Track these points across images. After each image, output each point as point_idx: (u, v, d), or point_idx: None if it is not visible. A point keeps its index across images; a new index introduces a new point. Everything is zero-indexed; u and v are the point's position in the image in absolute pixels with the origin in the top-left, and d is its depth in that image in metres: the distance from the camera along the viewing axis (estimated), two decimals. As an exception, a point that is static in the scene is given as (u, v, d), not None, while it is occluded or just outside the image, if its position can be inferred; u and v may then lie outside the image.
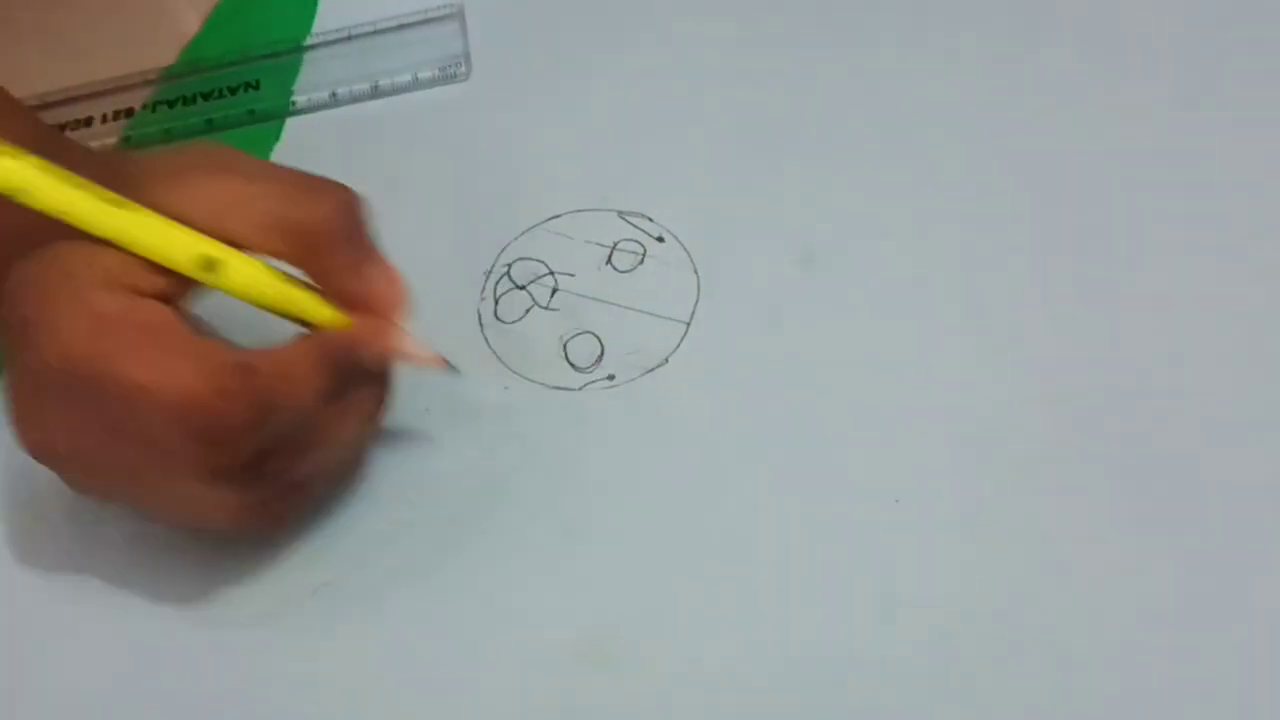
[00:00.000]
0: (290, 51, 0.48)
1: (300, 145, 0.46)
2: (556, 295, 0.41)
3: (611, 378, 0.40)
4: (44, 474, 0.34)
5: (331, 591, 0.37)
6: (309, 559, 0.37)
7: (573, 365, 0.40)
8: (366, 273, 0.35)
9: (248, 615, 0.37)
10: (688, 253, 0.42)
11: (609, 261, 0.42)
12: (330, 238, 0.34)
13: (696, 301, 0.41)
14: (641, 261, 0.42)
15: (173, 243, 0.33)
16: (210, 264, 0.33)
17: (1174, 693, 0.33)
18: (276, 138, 0.46)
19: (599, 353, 0.40)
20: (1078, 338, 0.39)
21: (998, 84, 0.44)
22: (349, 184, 0.35)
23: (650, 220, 0.43)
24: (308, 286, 0.35)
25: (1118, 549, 0.35)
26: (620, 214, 0.43)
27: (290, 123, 0.47)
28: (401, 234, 0.36)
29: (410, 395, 0.39)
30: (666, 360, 0.40)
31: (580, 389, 0.39)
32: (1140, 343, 0.38)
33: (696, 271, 0.41)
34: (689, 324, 0.40)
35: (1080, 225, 0.41)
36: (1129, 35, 0.44)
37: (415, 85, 0.47)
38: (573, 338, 0.40)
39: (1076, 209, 0.41)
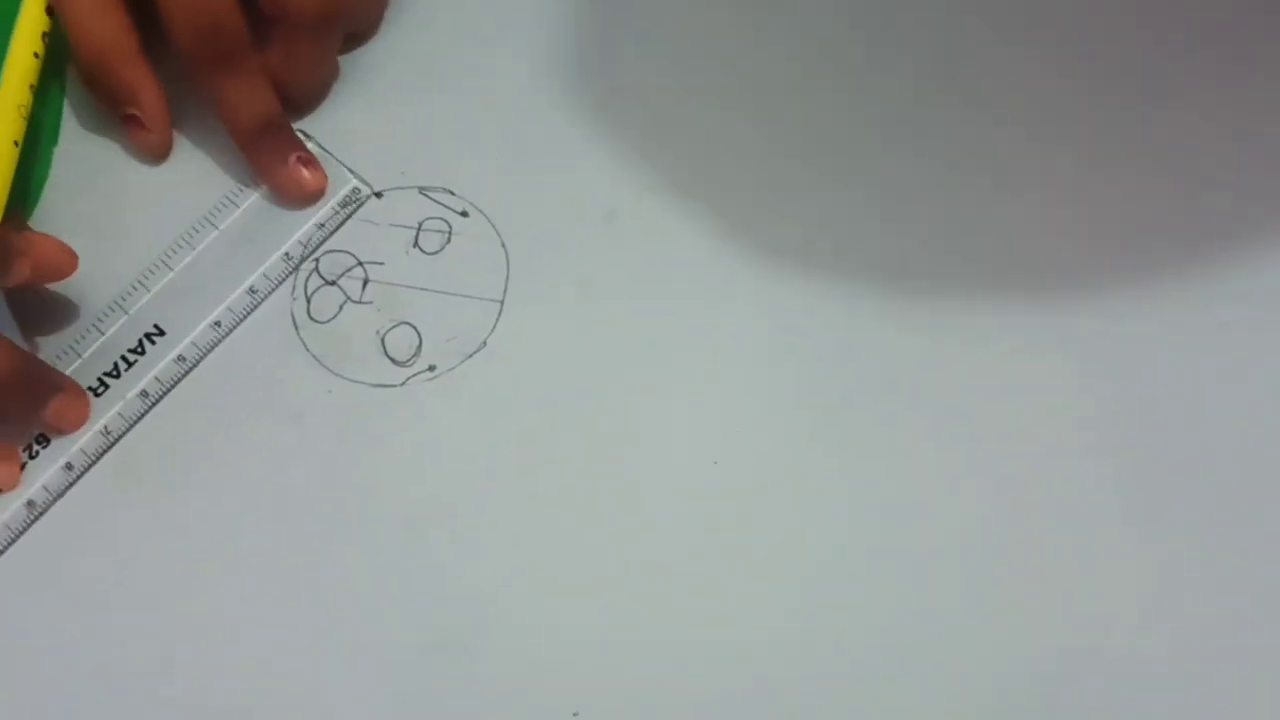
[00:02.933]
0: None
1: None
2: (368, 287, 0.41)
3: (432, 368, 0.40)
4: None
5: (177, 608, 0.38)
6: (172, 570, 0.38)
7: (392, 360, 0.40)
8: None
9: (93, 619, 0.38)
10: (493, 226, 0.42)
11: (416, 244, 0.42)
12: None
13: (507, 277, 0.41)
14: (449, 240, 0.42)
15: None
16: None
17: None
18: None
19: (417, 343, 0.41)
20: (880, 288, 0.40)
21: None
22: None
23: (452, 194, 0.42)
24: None
25: (939, 492, 0.38)
26: (421, 190, 0.43)
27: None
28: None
29: (236, 409, 0.40)
30: (484, 343, 0.40)
31: (403, 384, 0.40)
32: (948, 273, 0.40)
33: (504, 245, 0.42)
34: (502, 303, 0.41)
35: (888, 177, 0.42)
36: None
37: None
38: (389, 330, 0.41)
39: (875, 150, 0.42)
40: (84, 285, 0.40)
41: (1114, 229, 0.41)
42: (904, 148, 0.42)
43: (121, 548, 0.38)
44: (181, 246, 0.41)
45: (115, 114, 0.42)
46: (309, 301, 0.41)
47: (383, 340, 0.41)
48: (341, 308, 0.41)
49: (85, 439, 0.39)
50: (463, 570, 0.38)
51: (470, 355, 0.40)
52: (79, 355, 0.40)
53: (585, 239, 0.41)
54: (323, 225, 0.42)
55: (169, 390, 0.40)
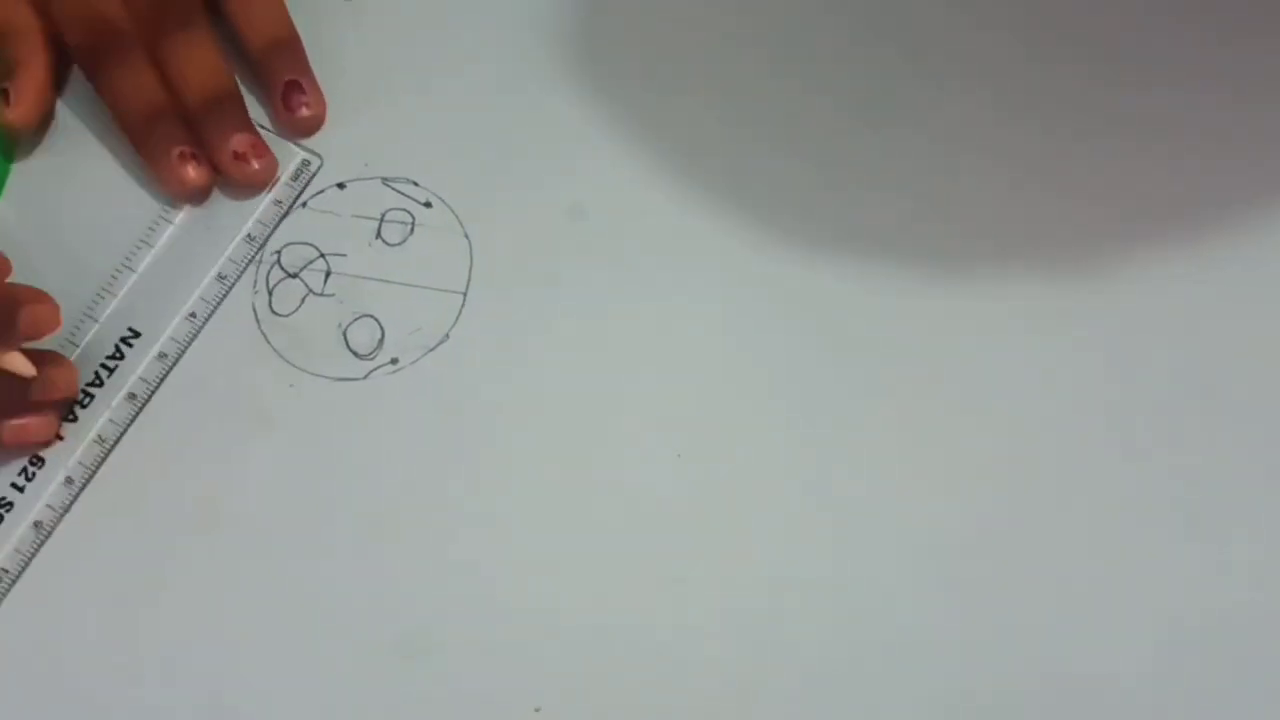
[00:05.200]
0: None
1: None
2: (330, 279, 0.41)
3: (395, 361, 0.40)
4: None
5: (144, 610, 0.37)
6: (138, 571, 0.38)
7: (355, 353, 0.40)
8: None
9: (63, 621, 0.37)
10: (456, 217, 0.42)
11: (379, 235, 0.42)
12: None
13: (470, 269, 0.41)
14: (411, 232, 0.42)
15: None
16: None
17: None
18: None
19: (380, 336, 0.40)
20: (849, 273, 0.40)
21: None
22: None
23: (416, 185, 0.42)
24: None
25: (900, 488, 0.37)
26: (384, 181, 0.42)
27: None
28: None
29: (197, 407, 0.39)
30: (447, 336, 0.40)
31: (365, 377, 0.40)
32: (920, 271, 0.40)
33: (467, 236, 0.41)
34: (465, 294, 0.41)
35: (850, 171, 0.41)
36: None
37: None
38: (351, 323, 0.40)
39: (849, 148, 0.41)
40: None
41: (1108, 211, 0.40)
42: (880, 136, 0.42)
43: (89, 554, 0.38)
44: (141, 246, 0.41)
45: None
46: (270, 295, 0.41)
47: (345, 333, 0.40)
48: (303, 301, 0.41)
49: (81, 450, 0.38)
50: (426, 565, 0.37)
51: (433, 348, 0.40)
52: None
53: (549, 230, 0.41)
54: (280, 201, 0.42)
55: (156, 389, 0.39)
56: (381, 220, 0.42)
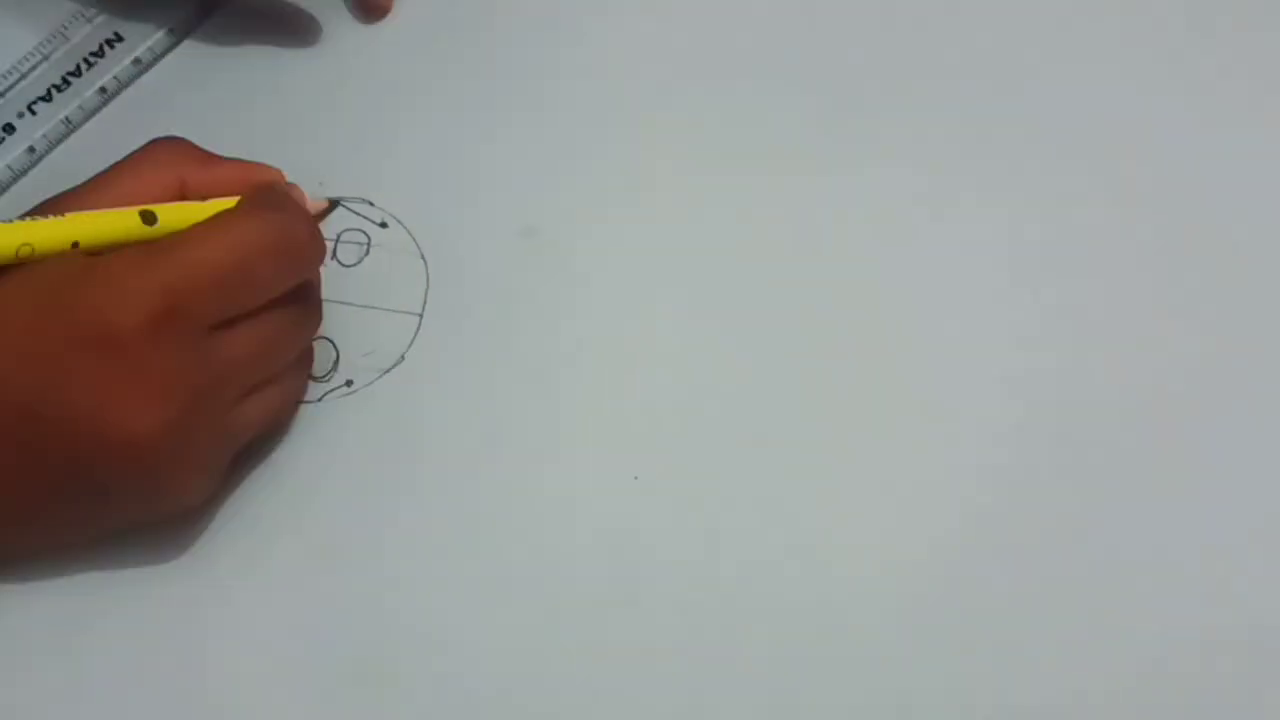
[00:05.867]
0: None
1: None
2: (284, 300, 0.40)
3: (349, 384, 0.39)
4: None
5: (83, 631, 0.37)
6: (75, 599, 0.37)
7: (309, 376, 0.39)
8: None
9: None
10: (413, 237, 0.41)
11: (333, 255, 0.41)
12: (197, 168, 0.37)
13: (427, 290, 0.40)
14: (367, 252, 0.41)
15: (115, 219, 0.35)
16: (150, 216, 0.35)
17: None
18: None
19: (334, 358, 0.40)
20: (808, 288, 0.40)
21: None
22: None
23: (371, 205, 0.42)
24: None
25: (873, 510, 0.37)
26: (340, 201, 0.42)
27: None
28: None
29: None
30: (403, 358, 0.40)
31: (319, 400, 0.39)
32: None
33: (424, 257, 0.41)
34: (421, 315, 0.40)
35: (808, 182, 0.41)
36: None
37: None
38: (306, 345, 0.40)
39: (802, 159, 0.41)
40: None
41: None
42: (829, 155, 0.42)
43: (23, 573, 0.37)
44: None
45: None
46: (224, 316, 0.40)
47: (299, 355, 0.40)
48: (257, 322, 0.40)
49: (49, 127, 0.44)
50: (378, 590, 0.37)
51: (388, 370, 0.39)
52: (46, 58, 0.45)
53: (506, 251, 0.41)
54: None
55: (124, 88, 0.45)
56: (337, 240, 0.41)
